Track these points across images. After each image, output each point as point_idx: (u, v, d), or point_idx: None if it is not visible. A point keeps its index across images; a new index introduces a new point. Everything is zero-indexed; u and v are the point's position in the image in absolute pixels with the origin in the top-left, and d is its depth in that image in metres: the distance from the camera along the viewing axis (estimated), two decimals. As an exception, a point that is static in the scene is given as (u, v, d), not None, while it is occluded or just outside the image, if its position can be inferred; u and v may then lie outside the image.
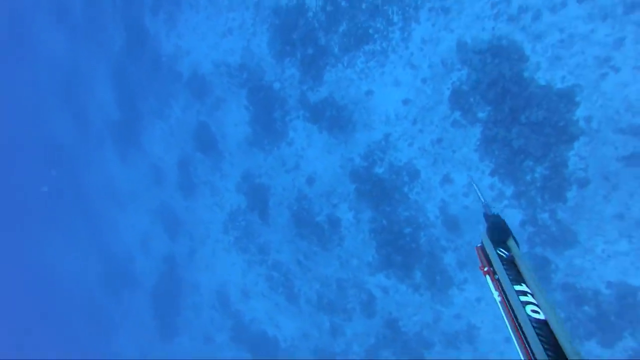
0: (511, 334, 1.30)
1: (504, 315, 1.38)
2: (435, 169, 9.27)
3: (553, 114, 7.32)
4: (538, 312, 1.29)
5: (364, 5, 9.52)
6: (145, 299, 18.76)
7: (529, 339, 1.22)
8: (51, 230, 26.68)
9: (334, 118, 10.61)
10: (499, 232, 1.62)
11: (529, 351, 1.20)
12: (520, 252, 1.57)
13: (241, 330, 14.67)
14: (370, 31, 9.59)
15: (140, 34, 15.50)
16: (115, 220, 20.12)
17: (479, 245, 1.66)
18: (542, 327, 1.24)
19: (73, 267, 25.09)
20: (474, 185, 2.10)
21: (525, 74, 7.57)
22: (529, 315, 1.28)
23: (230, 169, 13.52)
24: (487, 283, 1.53)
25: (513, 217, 8.41)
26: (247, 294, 14.15)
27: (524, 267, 1.47)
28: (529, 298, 1.35)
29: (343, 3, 9.81)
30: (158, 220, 17.23)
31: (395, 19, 9.17)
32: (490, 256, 1.54)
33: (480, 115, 8.34)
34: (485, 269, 1.55)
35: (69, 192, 23.69)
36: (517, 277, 1.43)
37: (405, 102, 9.44)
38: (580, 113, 7.13)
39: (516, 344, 1.27)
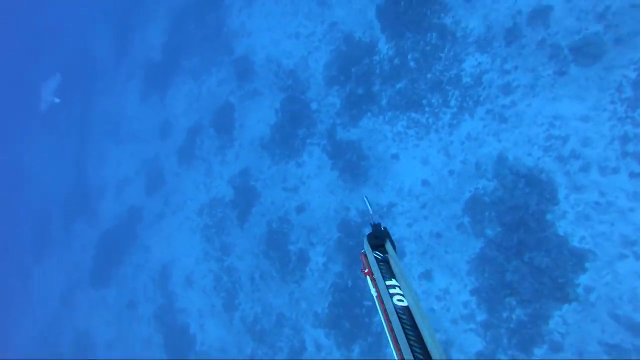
0: (383, 324, 1.48)
1: (378, 308, 1.55)
2: (421, 260, 8.89)
3: (557, 268, 6.98)
4: (403, 301, 1.50)
5: (429, 75, 9.35)
6: (93, 237, 18.18)
7: (393, 323, 1.41)
8: (44, 134, 26.23)
9: (351, 163, 10.32)
10: (377, 237, 1.85)
11: (393, 334, 1.38)
12: (394, 253, 1.79)
13: (167, 312, 14.05)
14: (424, 102, 9.39)
15: (221, 26, 15.43)
16: (106, 152, 19.70)
17: (362, 251, 1.86)
18: (405, 312, 1.44)
19: (46, 174, 24.52)
20: (366, 199, 2.28)
21: (549, 216, 7.27)
22: (394, 304, 1.48)
23: (233, 159, 13.17)
24: (368, 283, 1.72)
25: (472, 343, 7.99)
26: (190, 283, 13.59)
27: (395, 265, 1.70)
28: (397, 290, 1.55)
29: (412, 63, 9.65)
30: (144, 171, 16.82)
31: (452, 102, 8.96)
32: (368, 257, 1.77)
33: (488, 232, 8.01)
34: (366, 271, 1.76)
35: (77, 107, 23.33)
36: (389, 274, 1.65)
37: (425, 183, 9.15)
38: (583, 280, 6.79)
39: (387, 333, 1.43)
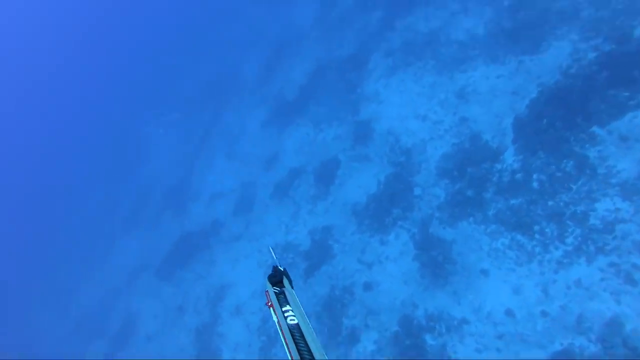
0: (283, 342, 1.87)
1: (279, 330, 1.93)
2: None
3: None
4: (294, 320, 1.97)
5: (550, 203, 8.60)
6: (175, 232, 19.27)
7: (286, 336, 1.87)
8: (171, 125, 29.21)
9: (436, 261, 9.71)
10: (275, 276, 2.31)
11: (288, 346, 1.82)
12: (290, 287, 2.25)
13: (207, 331, 14.13)
14: (536, 228, 8.60)
15: (358, 60, 16.32)
16: (215, 161, 21.06)
17: (266, 290, 2.26)
18: (296, 329, 1.92)
19: (163, 159, 26.97)
20: (271, 249, 3.00)
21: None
22: (288, 323, 1.95)
23: (322, 212, 13.27)
24: (271, 312, 2.10)
25: None
26: (239, 313, 13.63)
27: (289, 295, 2.16)
28: (290, 313, 2.02)
29: (535, 184, 8.99)
30: (239, 191, 17.65)
31: (569, 240, 8.07)
32: (270, 293, 2.18)
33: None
34: (269, 304, 2.14)
35: (210, 112, 25.73)
36: (284, 302, 2.11)
37: (509, 313, 8.20)
38: None
39: (285, 347, 1.83)
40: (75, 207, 31.36)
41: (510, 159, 9.71)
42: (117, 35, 47.60)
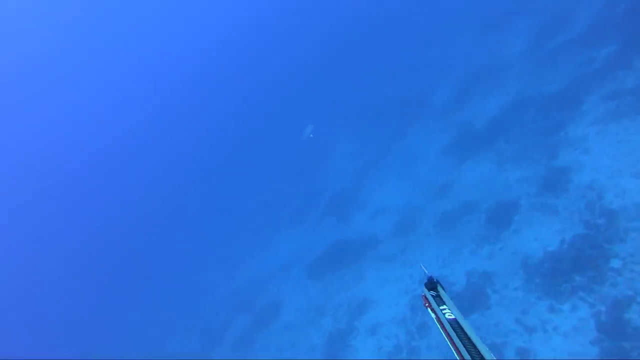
0: (444, 336, 2.08)
1: (438, 326, 2.19)
2: None
3: None
4: (451, 315, 2.17)
5: None
6: (333, 237, 20.09)
7: (447, 330, 2.07)
8: (350, 137, 30.57)
9: (625, 354, 7.73)
10: (431, 284, 2.55)
11: (451, 339, 2.00)
12: (443, 291, 2.48)
13: (339, 340, 14.27)
14: None
15: (570, 99, 14.31)
16: (386, 179, 21.18)
17: (422, 294, 2.52)
18: (455, 322, 2.10)
19: (340, 164, 28.55)
20: (422, 266, 4.29)
21: None
22: (447, 318, 2.16)
23: (486, 256, 12.03)
24: (429, 312, 2.34)
25: None
26: (374, 332, 13.38)
27: (444, 296, 2.41)
28: (447, 310, 2.24)
29: None
30: (403, 212, 17.38)
31: None
32: (427, 296, 2.46)
33: None
34: (427, 305, 2.42)
35: (390, 130, 26.05)
36: (441, 303, 2.35)
37: None
38: None
39: (448, 342, 2.01)
40: (253, 196, 35.37)
41: None
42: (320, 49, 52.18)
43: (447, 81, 25.05)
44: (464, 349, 1.85)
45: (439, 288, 2.52)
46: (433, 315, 2.28)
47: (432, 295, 2.44)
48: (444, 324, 2.10)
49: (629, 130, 11.46)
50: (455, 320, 2.11)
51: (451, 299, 2.36)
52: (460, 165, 16.93)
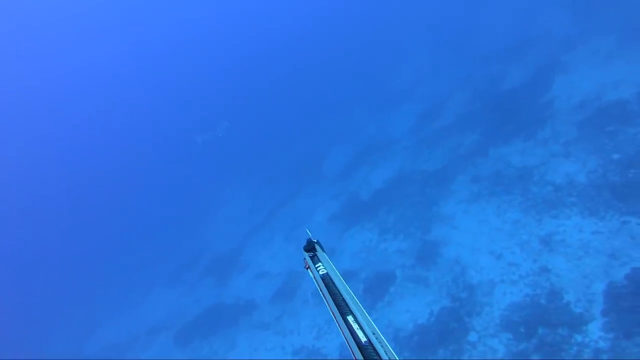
0: (318, 289, 2.25)
1: (314, 282, 2.33)
2: None
3: None
4: (324, 271, 2.36)
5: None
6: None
7: (320, 284, 2.25)
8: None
9: None
10: (309, 245, 2.70)
11: (322, 292, 2.16)
12: (321, 251, 2.63)
13: None
14: None
15: (443, 178, 15.62)
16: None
17: (304, 257, 2.66)
18: (326, 277, 2.29)
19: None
20: (307, 231, 3.18)
21: None
22: (320, 274, 2.33)
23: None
24: (308, 273, 2.48)
25: None
26: None
27: (321, 256, 2.56)
28: (321, 267, 2.41)
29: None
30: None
31: None
32: (306, 257, 2.63)
33: None
34: (307, 267, 2.55)
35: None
36: (317, 261, 2.52)
37: None
38: None
39: (321, 294, 2.16)
40: (130, 252, 31.98)
41: (596, 333, 7.93)
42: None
43: (341, 150, 26.15)
44: (332, 300, 2.03)
45: (317, 247, 2.69)
46: (311, 275, 2.43)
47: (309, 256, 2.62)
48: (317, 280, 2.30)
49: (485, 211, 12.71)
50: (327, 274, 2.31)
51: (330, 259, 2.49)
52: (343, 233, 17.20)
